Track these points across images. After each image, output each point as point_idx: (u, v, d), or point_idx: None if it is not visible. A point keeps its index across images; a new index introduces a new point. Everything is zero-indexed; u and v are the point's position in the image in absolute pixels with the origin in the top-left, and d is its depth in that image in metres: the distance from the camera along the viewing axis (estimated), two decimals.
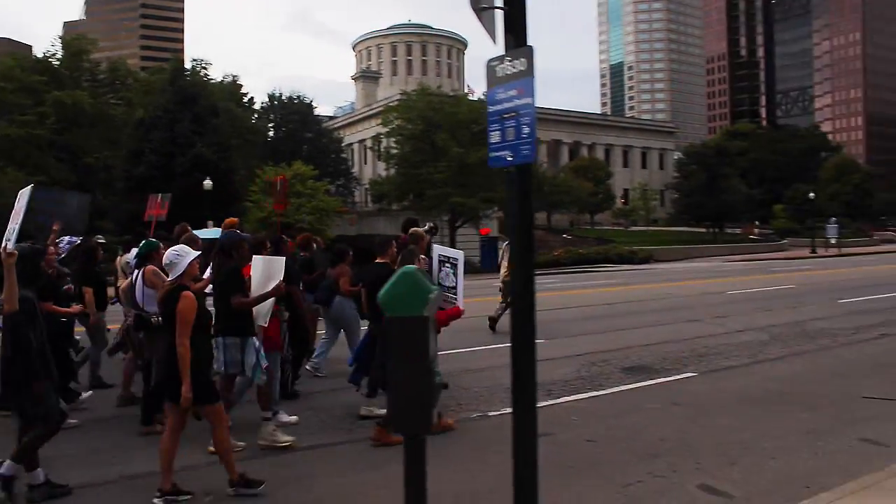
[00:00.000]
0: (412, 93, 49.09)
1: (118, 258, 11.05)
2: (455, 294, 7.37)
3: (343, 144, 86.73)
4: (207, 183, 33.30)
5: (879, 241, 73.78)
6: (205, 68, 62.84)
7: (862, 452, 6.30)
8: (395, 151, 49.02)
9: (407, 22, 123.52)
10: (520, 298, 3.68)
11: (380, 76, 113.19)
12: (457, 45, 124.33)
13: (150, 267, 7.38)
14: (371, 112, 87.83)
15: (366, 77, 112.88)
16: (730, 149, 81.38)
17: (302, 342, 8.63)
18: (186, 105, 42.84)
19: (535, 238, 3.64)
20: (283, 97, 76.63)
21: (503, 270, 14.89)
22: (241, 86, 75.84)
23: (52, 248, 8.30)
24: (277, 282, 6.78)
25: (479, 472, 5.97)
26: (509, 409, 4.08)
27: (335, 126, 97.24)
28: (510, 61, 3.67)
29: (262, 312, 6.84)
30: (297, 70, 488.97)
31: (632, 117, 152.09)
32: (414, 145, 47.77)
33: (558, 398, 8.44)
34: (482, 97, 51.26)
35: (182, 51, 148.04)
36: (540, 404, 8.13)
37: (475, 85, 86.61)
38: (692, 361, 10.60)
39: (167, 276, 7.48)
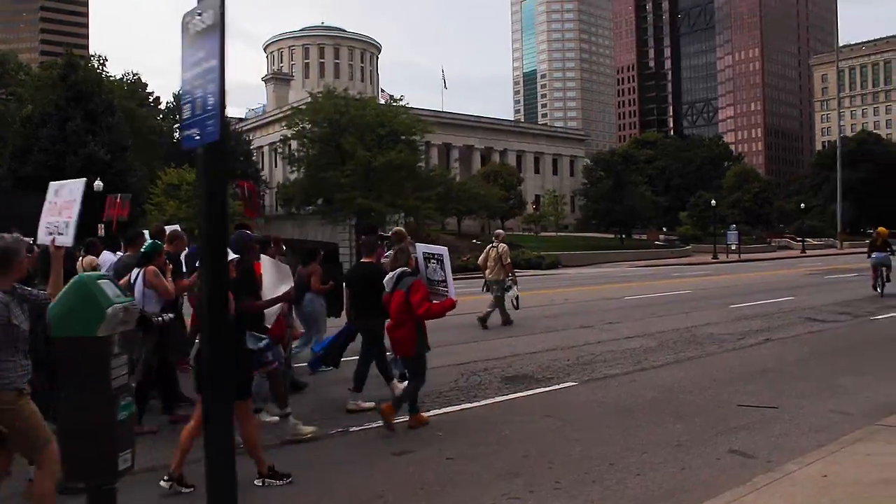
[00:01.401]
0: (318, 94, 48.17)
1: (80, 259, 10.70)
2: (446, 287, 7.70)
3: (253, 147, 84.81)
4: (98, 184, 31.53)
5: (777, 248, 76.62)
6: (103, 64, 60.52)
7: (729, 465, 6.06)
8: (300, 154, 48.05)
9: (320, 24, 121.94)
10: (209, 323, 2.78)
11: (291, 78, 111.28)
12: (370, 48, 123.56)
13: (152, 267, 7.48)
14: (281, 114, 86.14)
15: (277, 79, 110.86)
16: (637, 156, 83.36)
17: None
18: (79, 102, 40.71)
19: (227, 244, 2.83)
20: None
21: (489, 270, 15.56)
22: (145, 84, 73.42)
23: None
24: (289, 287, 7.26)
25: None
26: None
27: (245, 128, 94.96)
28: (199, 15, 2.89)
29: (270, 315, 7.12)
30: None
31: (544, 124, 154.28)
32: (321, 148, 46.93)
33: (428, 411, 7.98)
34: (392, 101, 50.84)
35: (86, 46, 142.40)
36: (407, 418, 7.77)
37: (389, 89, 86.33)
38: (575, 370, 10.32)
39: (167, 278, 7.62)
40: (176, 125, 74.56)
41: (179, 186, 48.77)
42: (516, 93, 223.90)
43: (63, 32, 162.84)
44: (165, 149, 65.18)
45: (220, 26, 2.71)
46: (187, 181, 50.55)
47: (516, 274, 16.09)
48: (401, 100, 49.40)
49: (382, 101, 54.25)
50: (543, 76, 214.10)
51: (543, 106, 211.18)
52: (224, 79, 2.68)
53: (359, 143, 43.76)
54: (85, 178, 6.50)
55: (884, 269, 20.64)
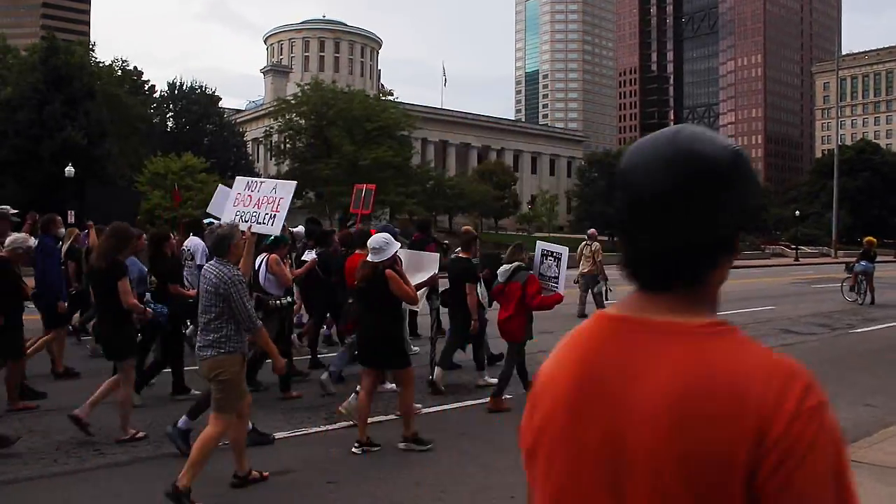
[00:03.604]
0: (305, 86, 47.30)
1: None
2: (557, 283, 8.52)
3: (248, 139, 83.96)
4: (69, 170, 30.79)
5: (770, 255, 75.78)
6: (92, 49, 59.59)
7: None
8: (285, 147, 47.23)
9: (321, 17, 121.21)
10: None
11: (290, 71, 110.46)
12: (371, 43, 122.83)
13: (274, 256, 8.23)
14: (272, 107, 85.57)
15: (276, 71, 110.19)
16: None
17: None
18: (59, 86, 39.80)
19: None
20: (185, 87, 73.56)
21: (582, 265, 17.00)
22: (140, 72, 72.37)
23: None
24: (432, 273, 8.12)
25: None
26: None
27: (242, 119, 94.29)
28: None
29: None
30: (215, 62, 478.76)
31: (544, 125, 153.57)
32: (308, 141, 46.11)
33: (335, 423, 7.17)
34: (382, 94, 49.99)
35: (87, 33, 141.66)
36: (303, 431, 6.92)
37: (391, 85, 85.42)
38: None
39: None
40: (170, 114, 73.91)
41: (165, 176, 47.94)
42: (518, 92, 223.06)
43: (64, 19, 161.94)
44: (157, 137, 64.36)
45: None
46: (172, 170, 49.71)
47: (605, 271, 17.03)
48: (391, 93, 48.58)
49: (386, 98, 53.22)
50: (545, 76, 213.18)
51: (545, 106, 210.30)
52: None
53: (346, 136, 42.91)
54: (296, 182, 7.65)
55: (864, 278, 20.33)
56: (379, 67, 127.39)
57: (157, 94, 73.43)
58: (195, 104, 71.71)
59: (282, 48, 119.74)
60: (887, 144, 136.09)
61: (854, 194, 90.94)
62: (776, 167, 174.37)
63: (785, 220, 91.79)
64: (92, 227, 10.52)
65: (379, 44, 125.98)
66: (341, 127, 43.16)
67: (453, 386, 9.08)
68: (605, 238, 72.35)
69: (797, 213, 76.09)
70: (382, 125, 43.39)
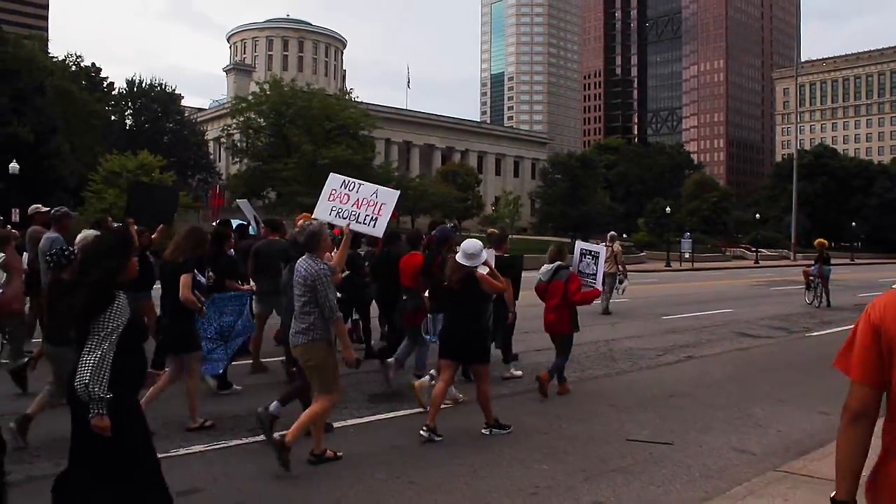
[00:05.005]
0: (263, 84, 46.49)
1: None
2: (595, 279, 9.29)
3: (209, 138, 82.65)
4: (13, 166, 29.70)
5: (731, 257, 76.26)
6: (46, 44, 58.17)
7: None
8: (242, 146, 46.37)
9: (285, 17, 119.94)
10: None
11: (253, 70, 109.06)
12: (335, 43, 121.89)
13: None
14: (236, 105, 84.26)
15: (238, 70, 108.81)
16: (596, 161, 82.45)
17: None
18: (6, 80, 38.54)
19: None
20: (144, 84, 72.18)
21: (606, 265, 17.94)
22: (99, 69, 70.89)
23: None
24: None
25: None
26: None
27: (203, 118, 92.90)
28: None
29: None
30: (178, 60, 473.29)
31: (509, 127, 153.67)
32: (267, 140, 45.28)
33: (258, 436, 6.62)
34: (341, 93, 49.32)
35: (46, 28, 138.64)
36: (220, 445, 6.40)
37: (356, 86, 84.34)
38: (456, 389, 9.02)
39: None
40: (129, 112, 72.43)
41: (120, 174, 46.73)
42: (483, 94, 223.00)
43: (21, 13, 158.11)
44: (115, 135, 62.88)
45: None
46: (128, 168, 48.41)
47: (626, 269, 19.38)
48: (351, 92, 47.95)
49: (337, 94, 52.46)
50: (511, 79, 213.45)
51: (510, 109, 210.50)
52: None
53: (305, 136, 42.18)
54: (399, 191, 7.78)
55: (819, 281, 20.39)
56: (344, 68, 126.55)
57: (115, 92, 72.04)
58: (155, 102, 70.39)
59: (245, 47, 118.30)
60: (844, 150, 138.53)
61: (812, 198, 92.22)
62: (737, 171, 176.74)
63: (745, 223, 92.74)
64: (132, 224, 10.18)
65: (343, 44, 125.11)
66: (301, 126, 42.38)
67: (386, 394, 8.61)
68: (567, 240, 72.45)
69: (757, 216, 76.91)
70: (342, 124, 42.71)
